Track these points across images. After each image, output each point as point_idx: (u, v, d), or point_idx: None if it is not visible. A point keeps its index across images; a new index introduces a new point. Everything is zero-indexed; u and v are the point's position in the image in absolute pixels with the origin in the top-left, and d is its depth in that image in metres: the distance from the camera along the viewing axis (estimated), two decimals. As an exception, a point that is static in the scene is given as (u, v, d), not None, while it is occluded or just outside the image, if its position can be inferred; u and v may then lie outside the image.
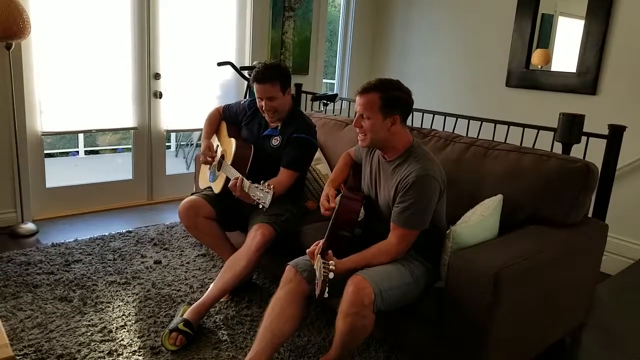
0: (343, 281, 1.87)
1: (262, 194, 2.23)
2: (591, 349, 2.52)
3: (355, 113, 2.04)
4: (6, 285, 2.64)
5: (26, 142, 3.52)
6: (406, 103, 2.02)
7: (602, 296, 2.97)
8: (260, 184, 2.26)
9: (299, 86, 4.37)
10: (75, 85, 3.73)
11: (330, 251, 1.93)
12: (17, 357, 2.06)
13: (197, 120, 4.35)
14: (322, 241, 1.99)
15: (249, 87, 4.17)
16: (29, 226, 3.47)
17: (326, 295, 1.80)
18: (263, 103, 2.62)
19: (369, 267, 1.94)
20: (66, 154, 6.76)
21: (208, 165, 2.90)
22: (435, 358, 2.04)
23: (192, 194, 2.79)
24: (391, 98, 1.97)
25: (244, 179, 2.40)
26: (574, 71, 3.83)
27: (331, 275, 1.79)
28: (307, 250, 2.04)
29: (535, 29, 4.09)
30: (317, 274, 1.88)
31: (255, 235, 2.44)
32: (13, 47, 3.21)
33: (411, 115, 2.33)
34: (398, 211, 1.95)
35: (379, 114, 1.97)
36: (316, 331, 2.39)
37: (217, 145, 2.86)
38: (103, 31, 3.77)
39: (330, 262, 1.84)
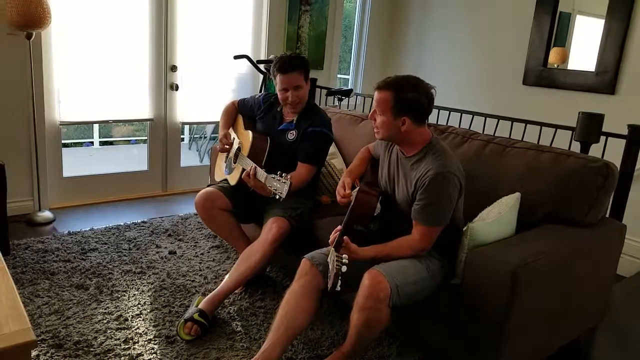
0: (359, 275, 1.88)
1: (279, 184, 2.22)
2: (605, 349, 2.51)
3: (371, 107, 2.03)
4: (24, 272, 2.68)
5: (44, 132, 3.57)
6: (420, 106, 1.94)
7: (616, 297, 2.95)
8: (277, 175, 2.26)
9: (313, 81, 4.34)
10: (93, 76, 3.76)
11: (346, 237, 1.90)
12: (35, 343, 2.09)
13: (213, 113, 4.38)
14: (338, 231, 1.98)
15: (264, 80, 4.18)
16: (46, 214, 3.51)
17: (338, 288, 1.79)
18: (289, 94, 2.60)
19: (389, 258, 1.94)
20: (81, 144, 6.82)
21: (224, 158, 2.91)
22: (449, 354, 2.04)
23: (208, 186, 2.80)
24: (403, 99, 1.92)
25: (259, 168, 2.39)
26: (593, 70, 3.79)
27: (344, 268, 1.78)
28: (329, 241, 2.02)
29: (554, 27, 4.05)
30: (329, 266, 1.88)
31: (270, 228, 2.45)
32: (33, 36, 3.24)
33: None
34: (418, 208, 1.94)
35: (390, 114, 1.95)
36: (330, 325, 2.40)
37: (234, 138, 2.87)
38: (121, 23, 3.79)
39: (344, 255, 1.83)
